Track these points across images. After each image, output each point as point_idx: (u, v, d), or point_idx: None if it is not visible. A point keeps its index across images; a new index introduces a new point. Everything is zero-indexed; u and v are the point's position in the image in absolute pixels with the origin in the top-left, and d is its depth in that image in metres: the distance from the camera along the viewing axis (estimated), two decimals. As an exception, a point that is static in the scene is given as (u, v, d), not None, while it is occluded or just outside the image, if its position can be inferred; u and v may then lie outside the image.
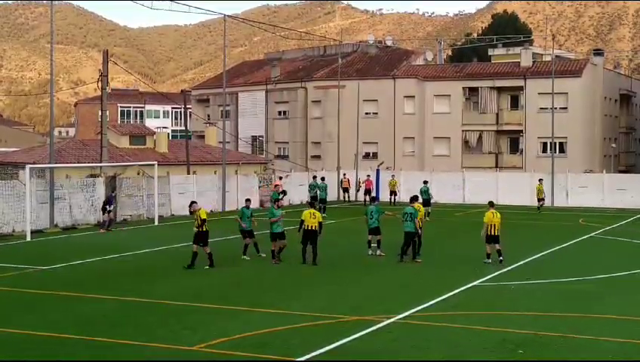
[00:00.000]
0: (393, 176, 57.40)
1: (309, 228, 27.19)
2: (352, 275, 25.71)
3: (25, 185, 37.23)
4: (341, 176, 60.70)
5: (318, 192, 48.32)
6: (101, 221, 39.41)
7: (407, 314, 18.93)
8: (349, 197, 59.67)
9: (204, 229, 26.53)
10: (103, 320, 18.54)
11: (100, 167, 45.66)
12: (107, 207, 38.71)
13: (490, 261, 27.42)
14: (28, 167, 37.72)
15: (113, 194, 39.94)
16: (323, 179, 50.56)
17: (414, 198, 29.92)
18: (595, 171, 62.01)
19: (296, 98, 75.52)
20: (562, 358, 15.35)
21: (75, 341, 16.30)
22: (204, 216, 26.65)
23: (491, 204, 28.50)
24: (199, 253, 26.56)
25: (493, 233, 27.32)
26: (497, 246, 27.46)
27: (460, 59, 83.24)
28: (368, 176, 57.73)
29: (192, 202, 28.11)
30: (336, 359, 14.98)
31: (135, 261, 28.93)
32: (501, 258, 27.38)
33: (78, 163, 50.38)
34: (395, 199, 54.66)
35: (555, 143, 61.55)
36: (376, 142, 70.90)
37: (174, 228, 40.90)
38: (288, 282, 24.25)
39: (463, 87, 69.16)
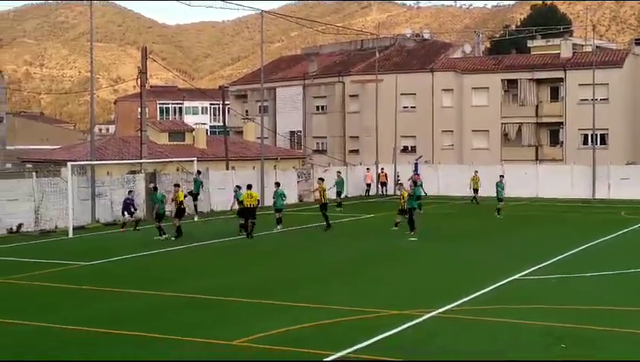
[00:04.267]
0: (476, 172, 53.55)
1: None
2: (389, 268, 25.69)
3: (67, 182, 37.64)
4: (378, 170, 60.56)
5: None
6: (126, 220, 38.22)
7: (446, 308, 18.85)
8: (386, 191, 59.42)
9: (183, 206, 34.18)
10: (141, 315, 18.72)
11: (140, 163, 46.04)
12: (132, 209, 38.34)
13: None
14: (69, 164, 38.14)
15: (131, 197, 38.96)
16: (339, 172, 52.05)
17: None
18: (638, 163, 61.18)
19: (333, 92, 75.43)
20: (605, 353, 15.19)
21: (114, 335, 16.47)
22: (181, 198, 34.07)
23: None
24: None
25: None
26: None
27: (499, 52, 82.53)
28: (415, 171, 57.22)
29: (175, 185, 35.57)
30: (376, 354, 14.96)
31: (173, 256, 29.14)
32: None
33: (119, 160, 50.82)
34: (476, 199, 51.67)
35: (596, 135, 60.82)
36: (414, 136, 70.57)
37: (213, 224, 41.12)
38: (326, 276, 24.26)
39: (502, 80, 68.59)
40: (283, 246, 31.66)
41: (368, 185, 59.42)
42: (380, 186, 60.00)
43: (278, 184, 39.06)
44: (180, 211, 34.29)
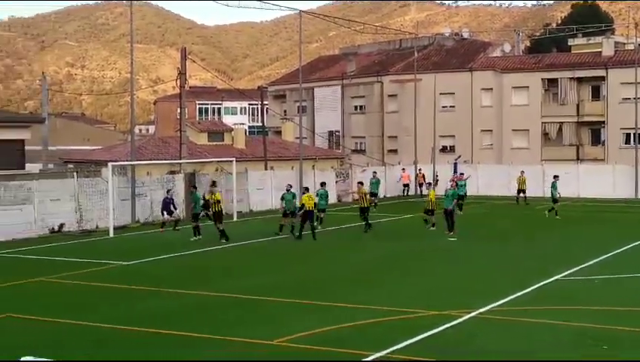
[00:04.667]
0: (522, 172, 52.36)
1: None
2: (428, 269, 25.60)
3: (107, 182, 38.02)
4: (417, 171, 60.16)
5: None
6: (165, 220, 38.42)
7: (487, 308, 18.71)
8: (422, 192, 58.98)
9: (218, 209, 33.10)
10: (182, 315, 18.81)
11: (180, 163, 46.34)
12: (172, 208, 38.40)
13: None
14: (110, 164, 38.50)
15: (170, 196, 38.99)
16: (375, 173, 52.19)
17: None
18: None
19: (372, 92, 75.33)
20: (648, 354, 14.98)
21: (154, 335, 16.58)
22: (218, 198, 33.35)
23: None
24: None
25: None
26: None
27: (539, 51, 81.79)
28: (457, 173, 56.90)
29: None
30: (416, 355, 14.89)
31: (213, 257, 29.30)
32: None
33: (158, 160, 51.20)
34: (523, 198, 50.80)
35: (639, 134, 60.01)
36: (453, 136, 70.22)
37: (252, 224, 41.25)
38: (364, 276, 24.21)
39: (542, 79, 67.97)
40: (321, 246, 31.65)
41: (405, 186, 59.17)
42: (418, 187, 59.72)
43: (323, 184, 39.26)
44: (218, 214, 33.20)
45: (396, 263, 26.81)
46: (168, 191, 39.44)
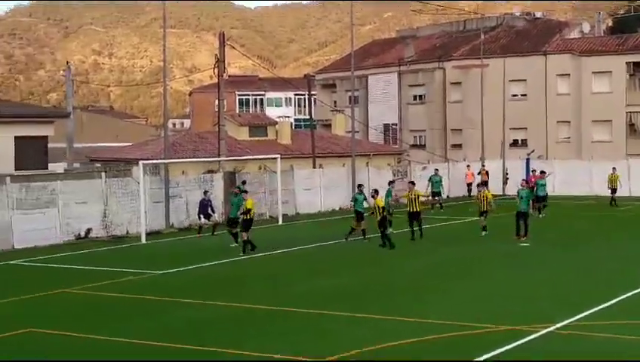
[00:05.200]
0: (614, 169, 51.71)
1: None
2: (497, 277, 25.37)
3: (139, 182, 38.35)
4: (478, 168, 59.49)
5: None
6: (202, 224, 38.84)
7: (566, 322, 18.45)
8: (470, 192, 58.19)
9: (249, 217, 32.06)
10: (219, 328, 18.87)
11: (219, 161, 46.56)
12: (210, 212, 38.50)
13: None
14: (141, 163, 38.83)
15: (208, 198, 39.03)
16: (437, 170, 52.69)
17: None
18: None
19: (432, 80, 74.99)
20: None
21: (190, 352, 16.64)
22: (249, 206, 32.07)
23: None
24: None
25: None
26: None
27: (622, 31, 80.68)
28: (534, 171, 56.43)
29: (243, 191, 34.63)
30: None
31: (255, 265, 29.36)
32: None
33: (195, 158, 51.54)
34: (615, 200, 49.87)
35: None
36: (525, 128, 69.57)
37: (300, 228, 41.29)
38: (424, 286, 24.13)
39: (627, 62, 67.02)
40: (375, 252, 31.56)
41: (469, 185, 58.55)
42: (474, 186, 58.59)
43: (391, 182, 39.27)
44: (247, 222, 32.05)
45: (460, 271, 26.62)
46: (206, 193, 39.65)
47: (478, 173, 58.19)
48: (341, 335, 17.83)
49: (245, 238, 31.66)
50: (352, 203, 36.44)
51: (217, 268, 28.52)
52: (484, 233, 35.42)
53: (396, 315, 19.61)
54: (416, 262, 29.24)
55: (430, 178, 50.72)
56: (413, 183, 36.49)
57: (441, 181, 50.81)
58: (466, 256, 30.30)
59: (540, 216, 42.38)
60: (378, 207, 32.35)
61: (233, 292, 23.52)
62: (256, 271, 27.71)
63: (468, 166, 59.69)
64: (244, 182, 42.30)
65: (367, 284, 24.57)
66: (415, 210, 34.40)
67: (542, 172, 47.82)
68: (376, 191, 34.10)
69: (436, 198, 49.77)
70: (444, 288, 23.58)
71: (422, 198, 36.02)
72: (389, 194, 37.52)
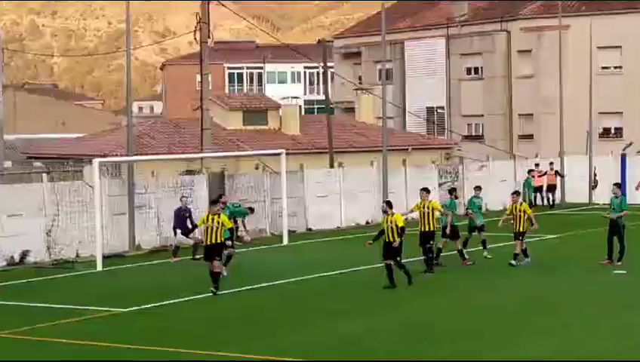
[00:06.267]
0: None
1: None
2: (593, 314, 25.31)
3: (93, 187, 38.29)
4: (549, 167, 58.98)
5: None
6: (177, 244, 38.52)
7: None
8: (553, 199, 57.75)
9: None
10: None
11: (201, 158, 46.50)
12: (190, 225, 37.49)
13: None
14: (96, 161, 38.72)
15: (185, 205, 38.80)
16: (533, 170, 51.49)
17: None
18: None
19: (493, 47, 74.83)
20: None
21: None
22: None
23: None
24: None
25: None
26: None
27: None
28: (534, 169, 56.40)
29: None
30: None
31: (251, 301, 29.30)
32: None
33: (170, 154, 51.52)
34: None
35: None
36: (621, 112, 69.52)
37: (314, 249, 41.21)
38: (514, 322, 24.28)
39: None
40: (423, 283, 31.47)
41: (538, 190, 57.90)
42: (545, 192, 58.11)
43: (478, 188, 38.54)
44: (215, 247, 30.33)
45: (540, 307, 26.55)
46: (183, 199, 39.32)
47: (544, 174, 57.68)
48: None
49: (217, 270, 30.32)
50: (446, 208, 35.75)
51: (198, 305, 28.43)
52: (516, 262, 34.62)
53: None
54: (490, 293, 29.17)
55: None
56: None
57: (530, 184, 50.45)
58: (542, 289, 30.22)
59: None
60: (395, 226, 30.50)
61: (218, 337, 23.49)
62: (248, 310, 27.59)
63: (537, 164, 59.34)
64: (220, 196, 39.81)
65: (404, 327, 24.43)
66: (428, 228, 33.29)
67: (557, 173, 49.20)
68: (389, 204, 31.80)
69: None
70: (538, 325, 23.76)
71: (437, 214, 34.62)
72: (452, 205, 36.59)
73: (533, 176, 56.69)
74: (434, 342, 22.58)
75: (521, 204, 35.41)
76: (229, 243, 32.08)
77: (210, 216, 29.79)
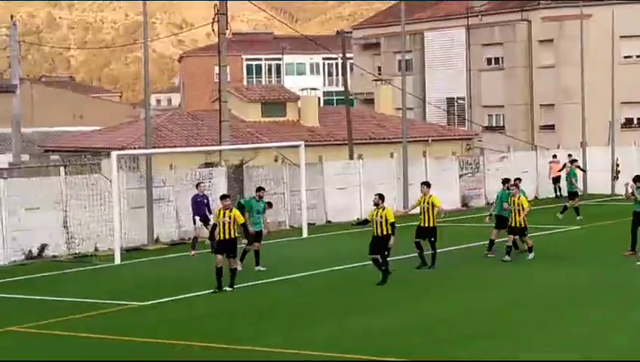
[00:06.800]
0: None
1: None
2: (613, 311, 25.15)
3: (110, 181, 38.30)
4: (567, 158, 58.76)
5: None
6: (196, 234, 38.45)
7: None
8: (559, 189, 57.53)
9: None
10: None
11: (220, 151, 46.49)
12: (207, 213, 37.57)
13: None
14: (114, 154, 38.75)
15: (202, 192, 38.45)
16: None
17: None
18: None
19: (514, 37, 74.65)
20: None
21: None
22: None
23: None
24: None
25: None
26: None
27: None
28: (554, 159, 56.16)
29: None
30: None
31: (270, 294, 29.30)
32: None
33: (188, 146, 51.51)
34: None
35: None
36: (643, 102, 69.30)
37: (333, 241, 41.16)
38: (535, 318, 24.18)
39: None
40: (443, 276, 31.41)
41: (555, 180, 57.69)
42: (559, 183, 57.87)
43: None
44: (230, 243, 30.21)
45: (570, 302, 26.49)
46: (199, 186, 38.88)
47: (563, 167, 57.36)
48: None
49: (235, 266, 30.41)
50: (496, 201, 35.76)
51: (214, 298, 28.42)
52: (507, 258, 34.38)
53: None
54: (510, 287, 29.09)
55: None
56: (428, 185, 34.48)
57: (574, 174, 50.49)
58: (562, 282, 30.13)
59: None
60: (385, 220, 30.05)
61: (234, 331, 23.58)
62: (276, 303, 27.59)
63: (554, 156, 59.15)
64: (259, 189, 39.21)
65: (427, 324, 24.29)
66: (428, 224, 33.01)
67: (571, 159, 50.87)
68: (381, 198, 30.86)
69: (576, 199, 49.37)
70: (557, 322, 23.51)
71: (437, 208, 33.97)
72: (504, 196, 36.18)
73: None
74: (451, 342, 22.35)
75: (519, 197, 34.41)
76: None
77: (222, 211, 29.64)
